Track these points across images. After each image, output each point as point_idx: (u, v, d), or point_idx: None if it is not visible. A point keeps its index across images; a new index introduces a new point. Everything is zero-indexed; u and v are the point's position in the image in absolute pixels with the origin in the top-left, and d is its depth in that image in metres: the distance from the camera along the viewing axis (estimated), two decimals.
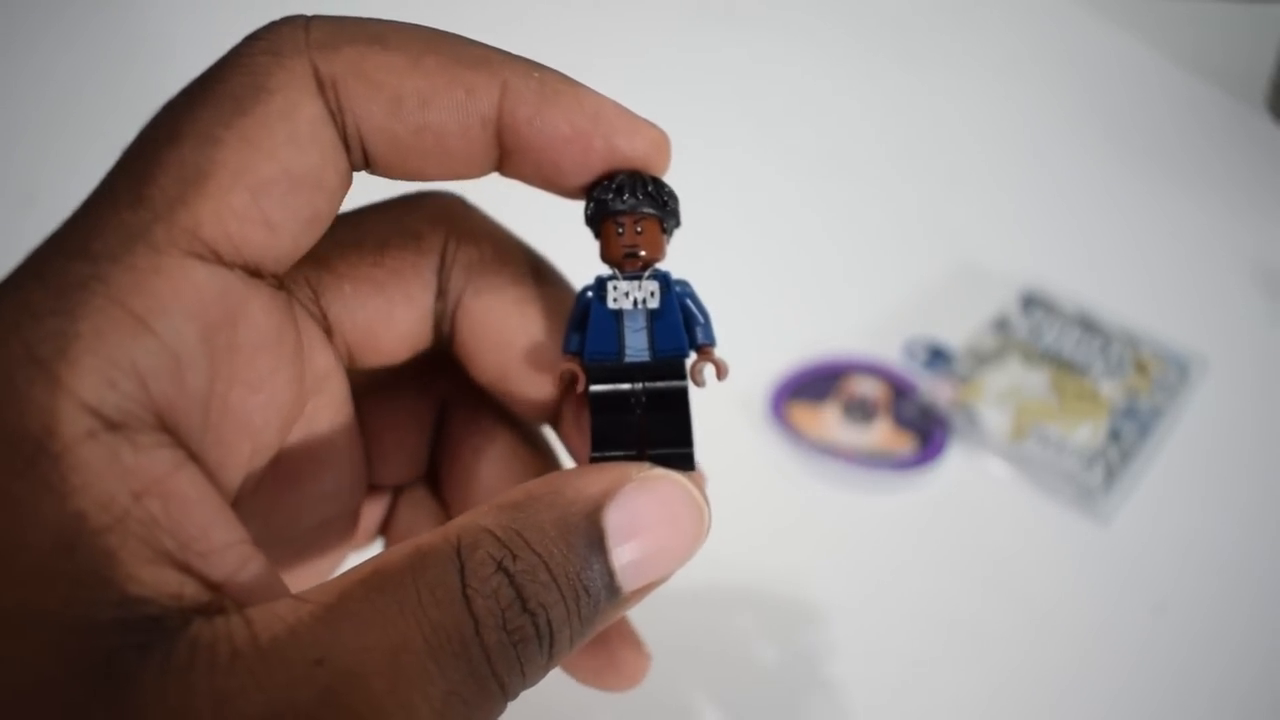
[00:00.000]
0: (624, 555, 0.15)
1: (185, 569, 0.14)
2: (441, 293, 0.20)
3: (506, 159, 0.18)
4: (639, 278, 0.18)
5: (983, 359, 0.40)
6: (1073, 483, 0.36)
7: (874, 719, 0.31)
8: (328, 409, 0.19)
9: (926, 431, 0.38)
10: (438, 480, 0.22)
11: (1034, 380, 0.40)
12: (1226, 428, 0.39)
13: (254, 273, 0.16)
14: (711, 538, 0.36)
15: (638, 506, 0.16)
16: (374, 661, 0.13)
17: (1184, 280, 0.45)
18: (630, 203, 0.18)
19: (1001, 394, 0.39)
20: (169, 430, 0.14)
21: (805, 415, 0.39)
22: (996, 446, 0.38)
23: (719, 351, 0.18)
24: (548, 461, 0.22)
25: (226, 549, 0.14)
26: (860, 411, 0.39)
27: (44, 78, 0.55)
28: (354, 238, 0.19)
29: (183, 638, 0.13)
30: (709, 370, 0.18)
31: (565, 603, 0.15)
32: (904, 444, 0.38)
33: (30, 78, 0.55)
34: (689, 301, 0.18)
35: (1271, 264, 0.45)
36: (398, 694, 0.13)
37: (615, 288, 0.18)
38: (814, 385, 0.40)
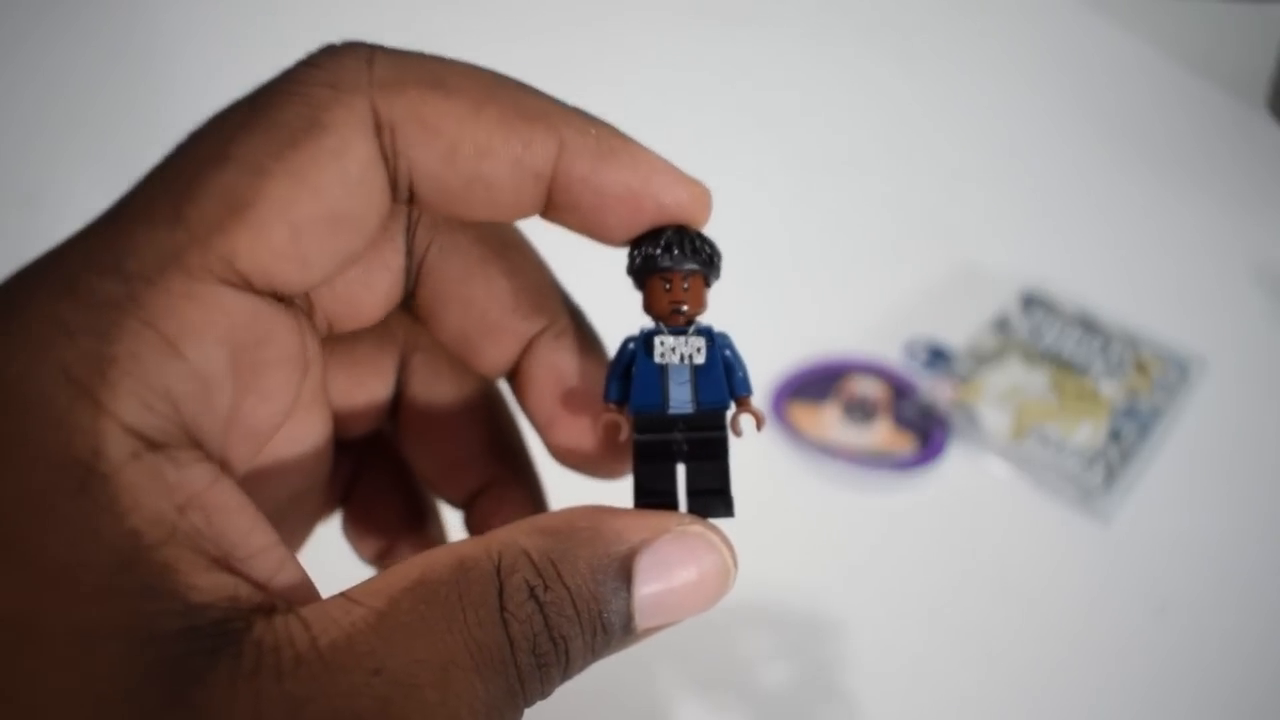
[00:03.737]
0: (645, 598, 0.16)
1: (237, 573, 0.14)
2: (409, 251, 0.20)
3: (553, 209, 0.18)
4: (684, 333, 0.19)
5: (983, 359, 0.40)
6: (1073, 483, 0.36)
7: (874, 718, 0.31)
8: (307, 392, 0.20)
9: (926, 431, 0.38)
10: (396, 430, 0.23)
11: (1034, 380, 0.40)
12: (1226, 428, 0.39)
13: (280, 298, 0.16)
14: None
15: (670, 557, 0.16)
16: (427, 674, 0.14)
17: (1184, 280, 0.45)
18: (679, 260, 0.19)
19: (1002, 394, 0.39)
20: (200, 447, 0.15)
21: (805, 415, 0.39)
22: (996, 446, 0.38)
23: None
24: (502, 416, 0.23)
25: (266, 552, 0.15)
26: (860, 411, 0.39)
27: (44, 78, 0.55)
28: None
29: (248, 641, 0.13)
30: (747, 421, 0.19)
31: (584, 636, 0.16)
32: (904, 444, 0.38)
33: (30, 78, 0.55)
34: (729, 353, 0.19)
35: (1271, 264, 0.45)
36: (448, 705, 0.14)
37: (663, 343, 0.19)
38: (814, 385, 0.40)
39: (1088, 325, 0.42)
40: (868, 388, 0.40)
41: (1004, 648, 0.32)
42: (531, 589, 0.15)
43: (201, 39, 0.57)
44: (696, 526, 0.17)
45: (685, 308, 0.19)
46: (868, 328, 0.42)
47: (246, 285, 0.15)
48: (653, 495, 0.18)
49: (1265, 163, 0.51)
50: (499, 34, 0.58)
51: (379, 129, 0.16)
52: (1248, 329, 0.43)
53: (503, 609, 0.15)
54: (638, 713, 0.30)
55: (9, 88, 0.54)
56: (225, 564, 0.14)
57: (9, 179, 0.48)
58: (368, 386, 0.22)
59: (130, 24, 0.58)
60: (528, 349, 0.21)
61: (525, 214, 0.18)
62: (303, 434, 0.20)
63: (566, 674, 0.16)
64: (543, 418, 0.21)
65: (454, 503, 0.23)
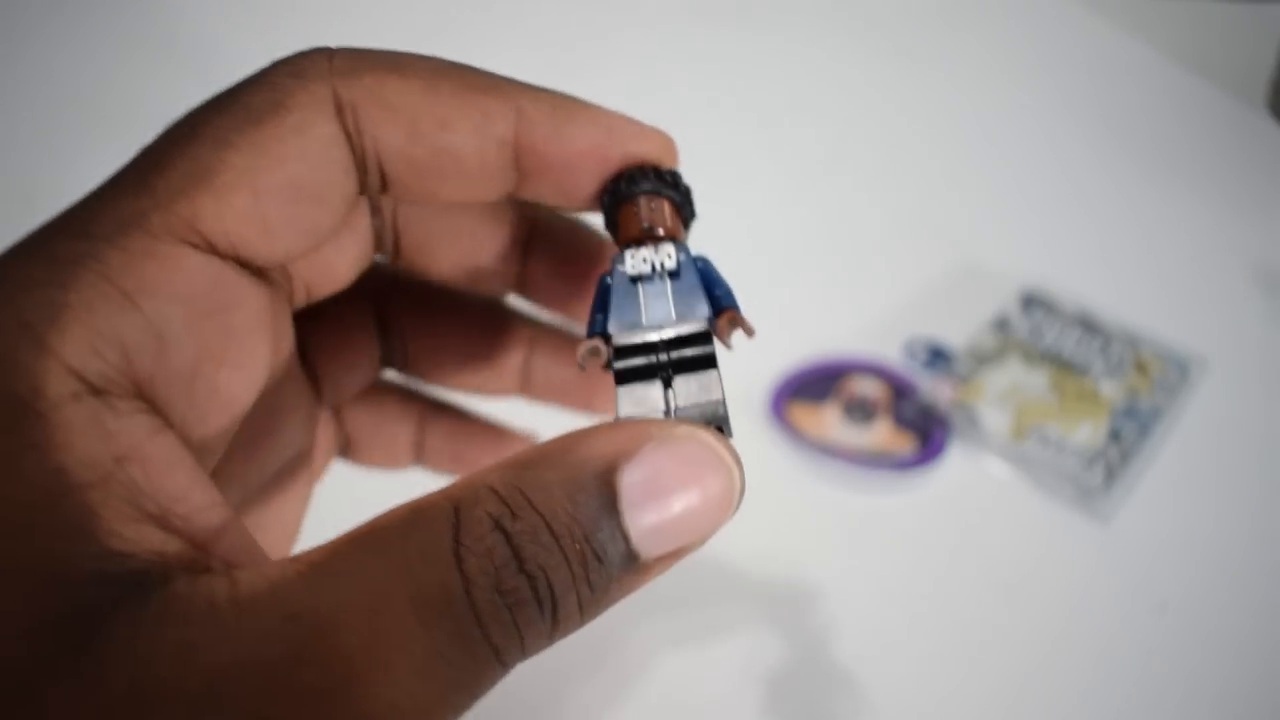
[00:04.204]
0: (641, 520, 0.15)
1: (169, 529, 0.14)
2: (376, 210, 0.20)
3: (525, 180, 0.18)
4: (655, 244, 0.18)
5: (983, 359, 0.40)
6: (1073, 483, 0.36)
7: (874, 717, 0.31)
8: (283, 363, 0.20)
9: (926, 431, 0.38)
10: (408, 372, 0.23)
11: (1034, 380, 0.40)
12: (1226, 428, 0.39)
13: (247, 266, 0.16)
14: (713, 537, 0.35)
15: (658, 466, 0.15)
16: (349, 618, 0.13)
17: (1184, 280, 0.45)
18: (646, 186, 0.19)
19: (1001, 394, 0.39)
20: (146, 400, 0.15)
21: (805, 415, 0.39)
22: (996, 446, 0.38)
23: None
24: (514, 324, 0.23)
25: (206, 511, 0.15)
26: (860, 411, 0.39)
27: (44, 77, 0.55)
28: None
29: (160, 592, 0.13)
30: (736, 331, 0.18)
31: (570, 566, 0.14)
32: (904, 444, 0.38)
33: (31, 77, 0.55)
34: (709, 268, 0.18)
35: (1271, 264, 0.45)
36: (374, 651, 0.13)
37: (633, 254, 0.18)
38: (814, 385, 0.40)
39: (1088, 325, 0.42)
40: (868, 388, 0.40)
41: (1003, 647, 0.32)
42: (495, 519, 0.14)
43: (202, 39, 0.57)
44: (683, 428, 0.15)
45: (660, 230, 0.18)
46: (868, 328, 0.42)
47: (210, 248, 0.16)
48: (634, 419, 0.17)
49: (1265, 163, 0.51)
50: (499, 34, 0.58)
51: (340, 110, 0.16)
52: (1248, 329, 0.43)
53: (458, 544, 0.14)
54: (634, 710, 0.30)
55: (9, 87, 0.54)
56: (160, 520, 0.14)
57: (9, 179, 0.48)
58: (353, 351, 0.22)
59: (130, 24, 0.58)
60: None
61: (498, 189, 0.18)
62: (284, 405, 0.20)
63: (557, 619, 0.14)
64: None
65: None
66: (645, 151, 0.19)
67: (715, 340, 0.18)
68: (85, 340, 0.14)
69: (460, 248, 0.21)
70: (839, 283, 0.45)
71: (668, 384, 0.17)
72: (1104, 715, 0.31)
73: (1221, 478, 0.37)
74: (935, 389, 0.39)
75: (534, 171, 0.18)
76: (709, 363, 0.17)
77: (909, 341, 0.41)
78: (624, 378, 0.17)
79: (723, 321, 0.18)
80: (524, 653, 0.14)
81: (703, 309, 0.18)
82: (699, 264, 0.18)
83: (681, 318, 0.17)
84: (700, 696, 0.31)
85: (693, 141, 0.58)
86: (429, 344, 0.23)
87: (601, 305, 0.18)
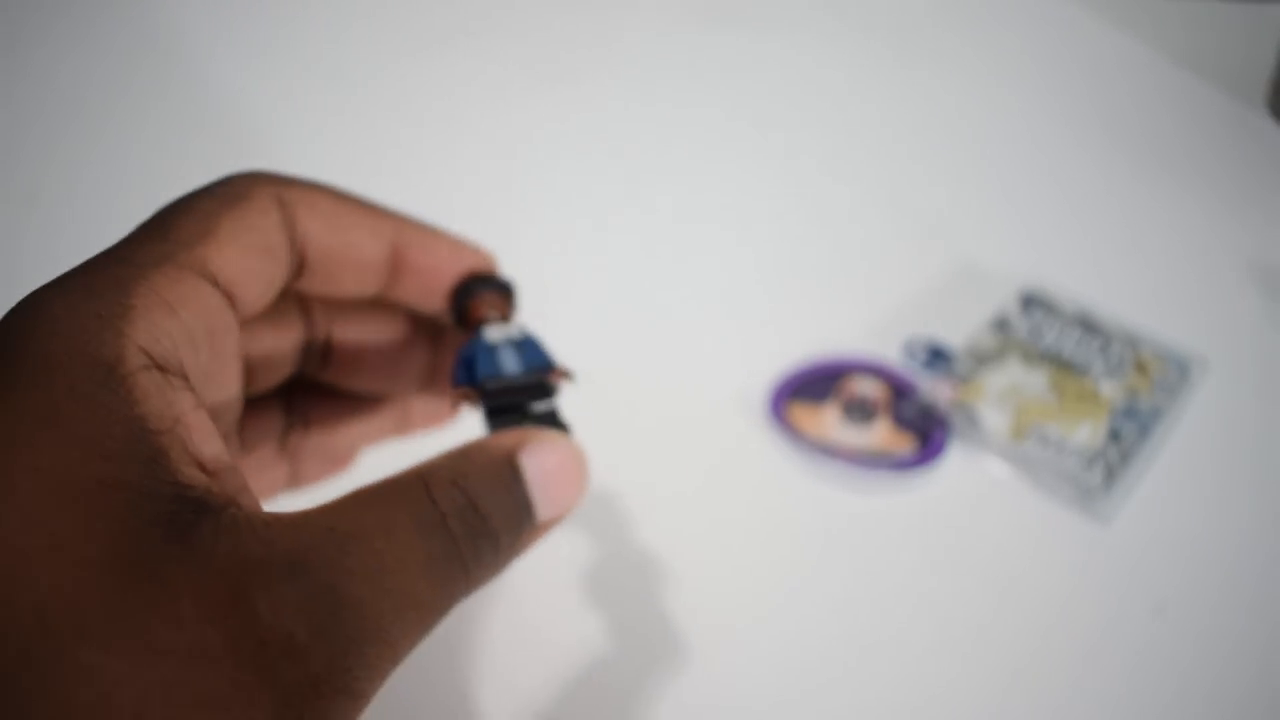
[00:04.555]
0: (533, 481, 0.22)
1: (210, 475, 0.18)
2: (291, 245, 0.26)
3: (397, 280, 0.26)
4: (504, 323, 0.26)
5: (983, 359, 0.40)
6: (1073, 483, 0.36)
7: (873, 717, 0.31)
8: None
9: (926, 431, 0.38)
10: (327, 370, 0.29)
11: (1034, 380, 0.40)
12: (1226, 428, 0.39)
13: (232, 304, 0.22)
14: (711, 537, 0.36)
15: (539, 449, 0.22)
16: (374, 528, 0.18)
17: (1184, 280, 0.45)
18: (492, 285, 0.27)
19: (1001, 394, 0.39)
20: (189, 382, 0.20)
21: (805, 415, 0.39)
22: (996, 446, 0.38)
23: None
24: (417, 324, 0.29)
25: (230, 473, 0.19)
26: (860, 411, 0.39)
27: (44, 77, 0.55)
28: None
29: (224, 511, 0.17)
30: (563, 379, 0.26)
31: (502, 512, 0.21)
32: (904, 444, 0.38)
33: (31, 77, 0.55)
34: (536, 339, 0.26)
35: (1271, 264, 0.45)
36: (394, 550, 0.18)
37: (490, 331, 0.26)
38: (814, 385, 0.40)
39: (1087, 325, 0.42)
40: (867, 388, 0.40)
41: (1003, 647, 0.32)
42: (452, 480, 0.20)
43: (202, 39, 0.57)
44: (548, 431, 0.23)
45: (504, 313, 0.27)
46: (868, 328, 0.42)
47: (215, 283, 0.21)
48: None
49: (1264, 163, 0.51)
50: (498, 34, 0.58)
51: (281, 205, 0.23)
52: (1248, 329, 0.43)
53: (431, 494, 0.20)
54: (632, 710, 0.30)
55: (9, 87, 0.54)
56: (203, 468, 0.18)
57: (9, 179, 0.48)
58: (280, 343, 0.27)
59: (130, 23, 0.58)
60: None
61: (378, 282, 0.26)
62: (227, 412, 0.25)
63: (498, 550, 0.21)
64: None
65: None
66: (480, 263, 0.27)
67: (551, 383, 0.25)
68: (148, 331, 0.18)
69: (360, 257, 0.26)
70: (839, 283, 0.45)
71: (523, 416, 0.25)
72: (1103, 715, 0.31)
73: (1221, 478, 0.37)
74: (935, 389, 0.39)
75: (404, 272, 0.26)
76: (551, 393, 0.25)
77: (909, 341, 0.41)
78: (494, 414, 0.25)
79: (556, 372, 0.26)
80: (482, 573, 0.20)
81: (544, 362, 0.26)
82: (532, 337, 0.26)
83: (529, 369, 0.25)
84: (699, 696, 0.31)
85: (692, 141, 0.58)
86: (348, 356, 0.29)
87: (467, 366, 0.25)
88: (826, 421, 0.39)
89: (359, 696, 0.17)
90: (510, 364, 0.25)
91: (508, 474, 0.22)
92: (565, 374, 0.26)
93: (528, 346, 0.26)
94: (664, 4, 0.61)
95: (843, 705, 0.31)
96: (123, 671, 0.15)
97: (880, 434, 0.38)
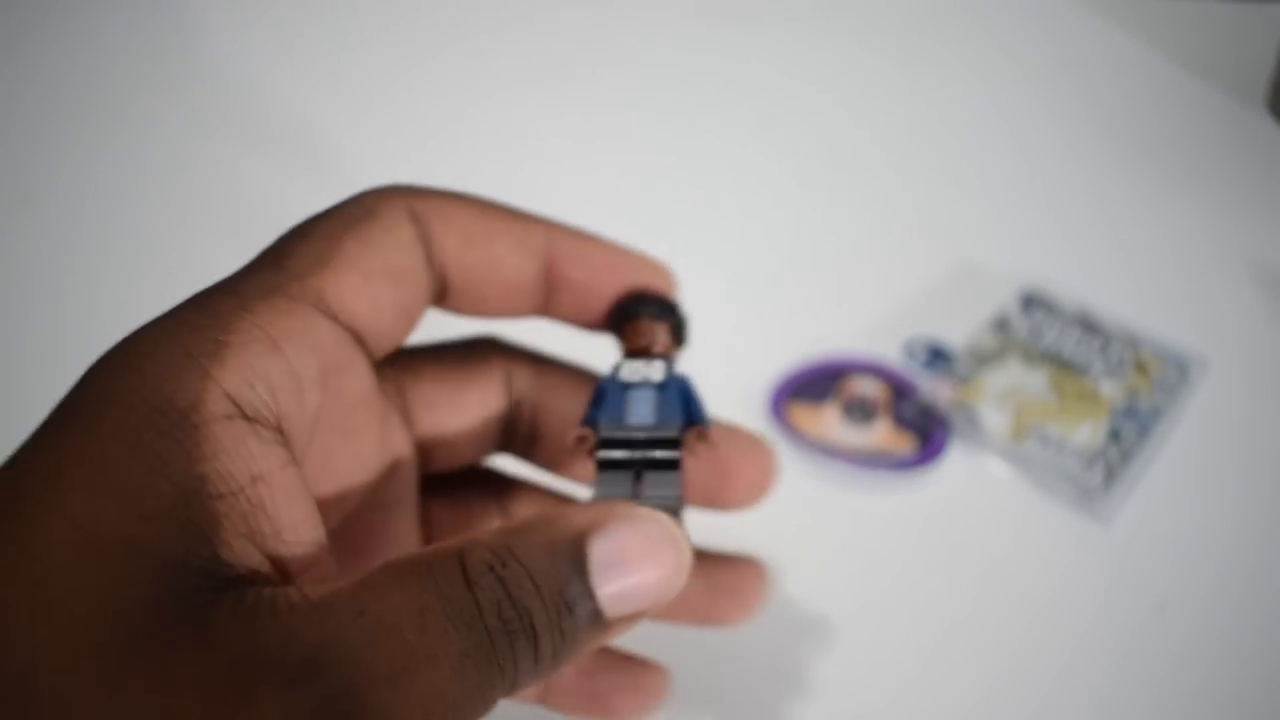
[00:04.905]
0: (605, 582, 0.17)
1: (268, 554, 0.16)
2: (515, 400, 0.24)
3: (552, 297, 0.23)
4: (649, 359, 0.22)
5: (983, 359, 0.40)
6: (1073, 483, 0.36)
7: (873, 717, 0.31)
8: (398, 492, 0.23)
9: (926, 431, 0.38)
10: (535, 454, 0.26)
11: (1034, 380, 0.40)
12: (1226, 428, 0.39)
13: (360, 338, 0.20)
14: (711, 537, 0.36)
15: (622, 539, 0.18)
16: (406, 616, 0.16)
17: (1184, 280, 0.45)
18: (651, 309, 0.23)
19: (1001, 394, 0.39)
20: (285, 434, 0.18)
21: (805, 415, 0.39)
22: (996, 446, 0.38)
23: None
24: None
25: (309, 545, 0.17)
26: (860, 411, 0.39)
27: (45, 77, 0.55)
28: (433, 355, 0.24)
29: (252, 591, 0.16)
30: (701, 443, 0.21)
31: (547, 611, 0.17)
32: (904, 444, 0.38)
33: (31, 77, 0.55)
34: (687, 385, 0.22)
35: (1271, 264, 0.45)
36: (425, 643, 0.16)
37: (628, 365, 0.22)
38: (814, 385, 0.40)
39: (1087, 325, 0.42)
40: (868, 388, 0.40)
41: (1003, 647, 0.32)
42: (490, 565, 0.17)
43: (203, 39, 0.57)
44: (645, 510, 0.18)
45: (657, 347, 0.22)
46: (868, 328, 0.42)
47: (333, 315, 0.19)
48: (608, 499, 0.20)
49: (1265, 163, 0.51)
50: (499, 35, 0.58)
51: (414, 219, 0.20)
52: (1248, 329, 0.43)
53: (466, 578, 0.16)
54: None
55: (9, 87, 0.54)
56: (268, 543, 0.16)
57: (9, 179, 0.48)
58: (464, 406, 0.24)
59: (131, 23, 0.58)
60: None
61: (531, 301, 0.23)
62: (390, 500, 0.23)
63: (538, 655, 0.17)
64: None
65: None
66: (651, 279, 0.23)
67: (683, 446, 0.21)
68: (240, 373, 0.17)
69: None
70: (839, 283, 0.45)
71: (638, 476, 0.20)
72: (1103, 714, 0.31)
73: (1221, 478, 0.37)
74: (935, 389, 0.39)
75: (559, 288, 0.22)
76: (674, 464, 0.21)
77: (909, 341, 0.41)
78: (604, 465, 0.21)
79: (692, 434, 0.21)
80: (517, 676, 0.17)
81: (677, 418, 0.21)
82: (680, 381, 0.22)
83: (660, 423, 0.21)
84: (699, 695, 0.31)
85: (692, 141, 0.58)
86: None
87: (596, 402, 0.21)
88: (827, 421, 0.39)
89: None
90: (641, 411, 0.21)
91: (566, 562, 0.17)
92: (704, 435, 0.21)
93: (672, 393, 0.21)
94: (663, 3, 0.61)
95: (843, 705, 0.31)
96: None
97: (880, 434, 0.38)
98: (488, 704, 0.16)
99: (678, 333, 0.23)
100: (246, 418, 0.17)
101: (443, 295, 0.22)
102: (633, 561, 0.18)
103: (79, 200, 0.47)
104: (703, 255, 0.46)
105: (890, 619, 0.33)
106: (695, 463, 0.23)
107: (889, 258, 0.46)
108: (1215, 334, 0.42)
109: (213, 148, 0.50)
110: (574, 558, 0.17)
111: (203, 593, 0.15)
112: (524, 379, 0.24)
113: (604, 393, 0.21)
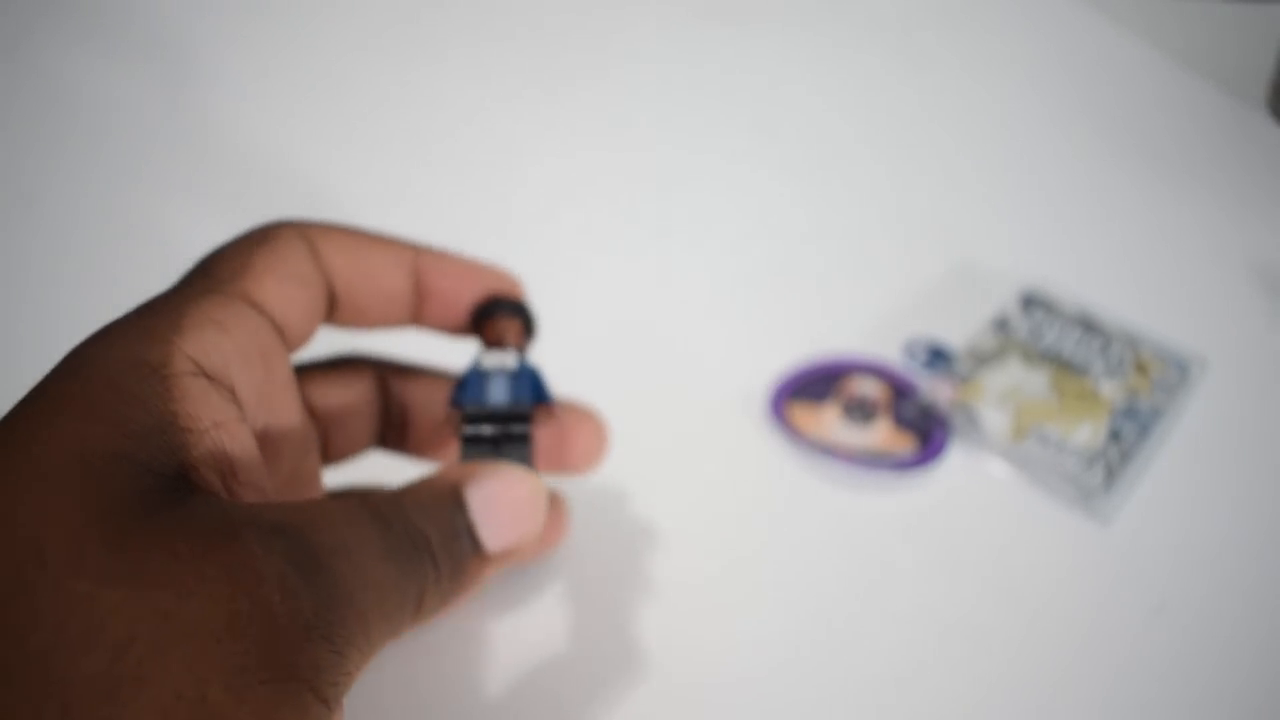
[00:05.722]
0: (483, 520, 0.22)
1: (227, 489, 0.19)
2: (386, 397, 0.29)
3: (422, 306, 0.27)
4: (503, 350, 0.26)
5: (983, 359, 0.40)
6: (1073, 483, 0.36)
7: (872, 717, 0.31)
8: (310, 474, 0.27)
9: (926, 431, 0.38)
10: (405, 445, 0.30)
11: (1034, 380, 0.40)
12: (1226, 428, 0.39)
13: (279, 332, 0.23)
14: (710, 537, 0.36)
15: (489, 484, 0.23)
16: (340, 514, 0.20)
17: (1184, 280, 0.45)
18: (506, 309, 0.27)
19: (1001, 394, 0.39)
20: (237, 399, 0.21)
21: (805, 415, 0.39)
22: (996, 446, 0.38)
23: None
24: None
25: (260, 491, 0.20)
26: (860, 411, 0.39)
27: (44, 77, 0.55)
28: (321, 365, 0.29)
29: (216, 494, 0.19)
30: (548, 418, 0.27)
31: (441, 534, 0.21)
32: (904, 444, 0.38)
33: (31, 77, 0.55)
34: (537, 374, 0.26)
35: (1271, 264, 0.45)
36: (356, 532, 0.19)
37: (487, 355, 0.26)
38: (814, 385, 0.40)
39: (1087, 325, 0.42)
40: (868, 388, 0.40)
41: (1003, 647, 0.32)
42: (394, 500, 0.21)
43: (203, 40, 0.57)
44: (504, 463, 0.24)
45: (508, 339, 0.27)
46: (868, 328, 0.42)
47: (260, 310, 0.22)
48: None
49: (1265, 163, 0.51)
50: (498, 35, 0.58)
51: (305, 239, 0.24)
52: (1248, 329, 0.43)
53: (377, 510, 0.20)
54: (623, 711, 0.30)
55: (9, 87, 0.54)
56: (225, 479, 0.19)
57: (9, 179, 0.48)
58: (347, 398, 0.28)
59: (130, 23, 0.58)
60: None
61: (406, 310, 0.27)
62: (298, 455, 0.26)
63: (438, 576, 0.21)
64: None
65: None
66: (503, 286, 0.27)
67: (533, 422, 0.25)
68: (199, 345, 0.20)
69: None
70: (839, 283, 0.45)
71: (496, 448, 0.25)
72: (1102, 714, 0.31)
73: (1221, 478, 0.37)
74: (935, 389, 0.39)
75: (427, 298, 0.26)
76: (525, 437, 0.25)
77: (909, 342, 0.41)
78: (468, 440, 0.25)
79: (540, 411, 0.26)
80: (423, 591, 0.21)
81: (528, 399, 0.25)
82: (531, 369, 0.26)
83: (514, 402, 0.25)
84: (700, 696, 0.31)
85: (692, 142, 0.58)
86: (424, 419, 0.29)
87: (460, 387, 0.25)
88: (827, 421, 0.39)
89: (343, 657, 0.18)
90: (498, 393, 0.25)
91: (449, 504, 0.22)
92: (550, 412, 0.26)
93: (523, 378, 0.26)
94: (663, 3, 0.61)
95: (843, 705, 0.31)
96: (115, 601, 0.16)
97: (880, 434, 0.38)
98: (404, 610, 0.20)
99: (528, 328, 0.28)
100: (208, 376, 0.20)
101: (331, 309, 0.25)
102: (501, 501, 0.23)
103: (79, 200, 0.47)
104: (703, 255, 0.46)
105: (890, 619, 0.33)
106: (543, 434, 0.28)
107: (889, 258, 0.46)
108: (1215, 334, 0.42)
109: (216, 149, 0.50)
110: (454, 499, 0.22)
111: (180, 489, 0.18)
112: (393, 380, 0.28)
113: (467, 379, 0.26)
